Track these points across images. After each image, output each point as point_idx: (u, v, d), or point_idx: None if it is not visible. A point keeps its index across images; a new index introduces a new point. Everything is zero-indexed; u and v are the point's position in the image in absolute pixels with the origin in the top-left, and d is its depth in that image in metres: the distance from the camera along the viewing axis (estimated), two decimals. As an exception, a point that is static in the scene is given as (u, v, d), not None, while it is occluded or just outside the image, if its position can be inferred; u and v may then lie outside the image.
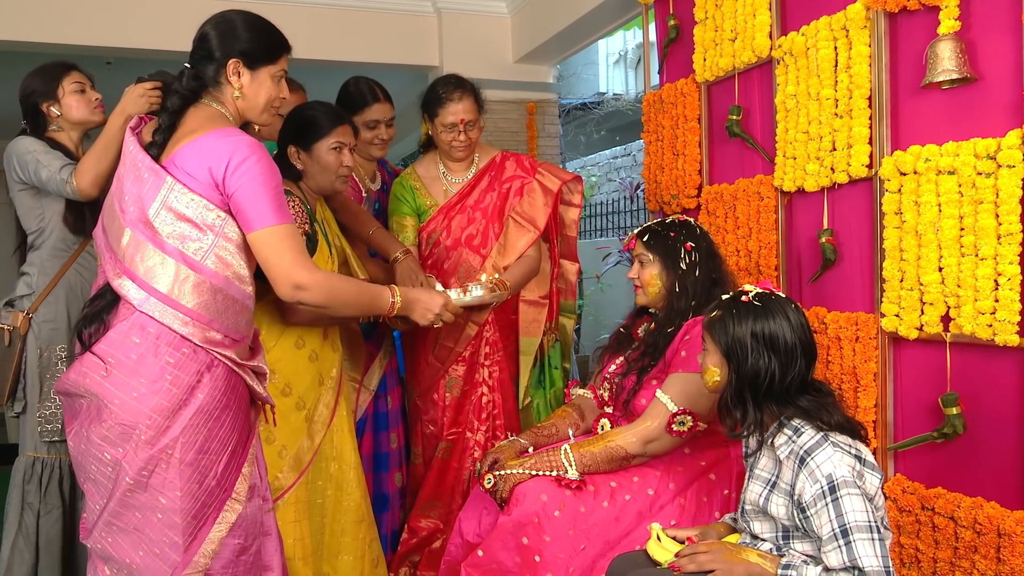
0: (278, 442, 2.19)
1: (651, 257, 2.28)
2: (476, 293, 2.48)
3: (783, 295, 1.75)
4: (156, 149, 1.75)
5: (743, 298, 1.73)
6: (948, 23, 1.99)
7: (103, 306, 1.73)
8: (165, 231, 1.68)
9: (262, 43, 1.85)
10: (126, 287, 1.68)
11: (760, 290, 1.75)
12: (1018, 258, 1.88)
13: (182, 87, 1.80)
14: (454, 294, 2.42)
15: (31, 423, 2.49)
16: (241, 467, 1.75)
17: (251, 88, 1.84)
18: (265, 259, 1.76)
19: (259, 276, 1.81)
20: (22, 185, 2.49)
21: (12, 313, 2.49)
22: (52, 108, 2.52)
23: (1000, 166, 1.89)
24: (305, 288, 1.79)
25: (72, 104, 2.53)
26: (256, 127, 1.93)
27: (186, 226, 1.68)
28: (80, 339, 1.71)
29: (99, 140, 2.37)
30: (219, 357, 1.71)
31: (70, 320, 2.51)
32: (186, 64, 1.84)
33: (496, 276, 2.63)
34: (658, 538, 1.83)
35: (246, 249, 1.76)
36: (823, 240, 2.39)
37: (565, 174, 2.91)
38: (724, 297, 1.79)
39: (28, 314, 2.47)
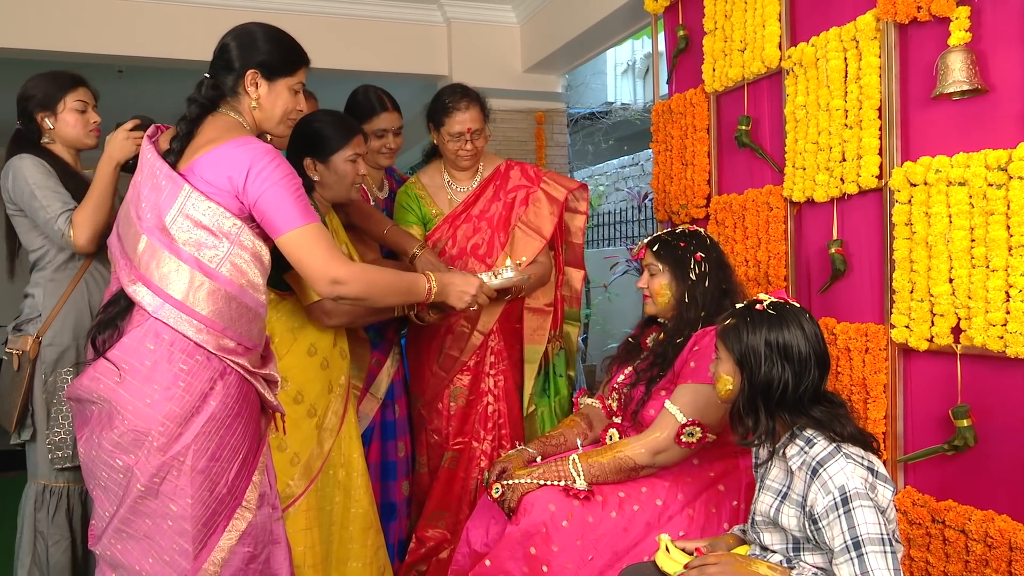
0: (290, 449, 2.20)
1: (661, 267, 2.27)
2: (507, 275, 2.42)
3: (797, 304, 1.75)
4: (173, 156, 1.76)
5: (757, 307, 1.72)
6: (959, 34, 1.99)
7: (117, 312, 1.74)
8: (181, 238, 1.69)
9: (281, 55, 1.87)
10: (140, 293, 1.68)
11: (774, 299, 1.74)
12: (1029, 270, 1.88)
13: (200, 96, 1.82)
14: (485, 277, 2.38)
15: (40, 450, 2.39)
16: (252, 475, 1.76)
17: (268, 99, 1.86)
18: (299, 260, 1.77)
19: (272, 284, 1.81)
20: (16, 209, 2.35)
21: (21, 337, 2.36)
22: (47, 120, 2.40)
23: (1011, 177, 1.88)
24: (343, 282, 1.80)
25: (69, 121, 2.41)
26: (269, 137, 1.94)
27: (202, 233, 1.69)
28: (94, 345, 1.72)
29: (92, 191, 2.28)
30: (232, 365, 1.71)
31: (77, 342, 2.36)
32: (206, 74, 1.86)
33: (519, 260, 2.58)
34: (667, 549, 1.83)
35: (261, 257, 1.77)
36: (832, 251, 2.38)
37: (570, 183, 2.91)
38: (738, 306, 1.77)
39: (38, 337, 2.35)
